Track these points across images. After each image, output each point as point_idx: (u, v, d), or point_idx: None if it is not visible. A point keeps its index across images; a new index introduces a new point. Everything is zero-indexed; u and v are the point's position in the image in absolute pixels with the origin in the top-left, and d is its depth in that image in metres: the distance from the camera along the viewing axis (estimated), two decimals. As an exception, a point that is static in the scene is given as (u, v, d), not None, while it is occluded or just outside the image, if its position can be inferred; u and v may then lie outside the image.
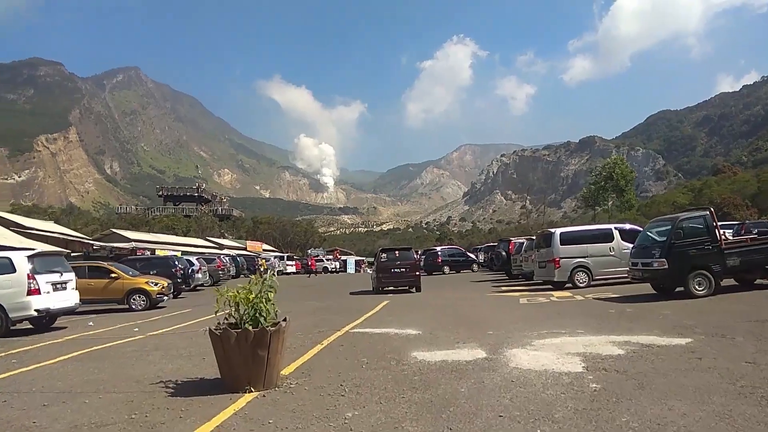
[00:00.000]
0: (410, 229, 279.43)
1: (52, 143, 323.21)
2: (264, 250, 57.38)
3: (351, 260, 62.06)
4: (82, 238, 32.39)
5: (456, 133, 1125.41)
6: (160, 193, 79.00)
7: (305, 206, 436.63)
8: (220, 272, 25.22)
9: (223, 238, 59.04)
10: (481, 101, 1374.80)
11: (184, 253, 38.12)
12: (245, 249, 52.48)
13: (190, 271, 18.74)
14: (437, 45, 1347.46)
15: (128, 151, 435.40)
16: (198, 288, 22.96)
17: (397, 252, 18.45)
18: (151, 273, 17.27)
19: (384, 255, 18.02)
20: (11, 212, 42.73)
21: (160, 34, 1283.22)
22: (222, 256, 30.67)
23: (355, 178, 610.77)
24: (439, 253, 29.69)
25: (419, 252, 38.77)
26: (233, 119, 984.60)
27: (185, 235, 52.37)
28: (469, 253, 32.45)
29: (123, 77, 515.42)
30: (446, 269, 28.90)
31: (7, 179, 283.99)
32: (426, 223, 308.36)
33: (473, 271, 30.43)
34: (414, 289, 17.25)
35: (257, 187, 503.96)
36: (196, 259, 22.80)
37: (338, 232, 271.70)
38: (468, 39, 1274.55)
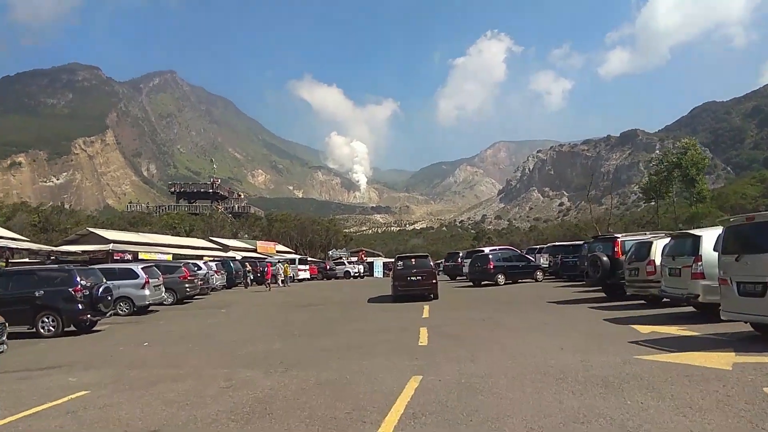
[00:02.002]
0: (444, 228, 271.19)
1: (89, 146, 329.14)
2: (278, 251, 50.84)
3: (378, 263, 54.97)
4: (20, 240, 26.09)
5: (490, 130, 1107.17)
6: (173, 189, 74.02)
7: (338, 206, 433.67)
8: (187, 286, 18.40)
9: (235, 237, 52.89)
10: (515, 97, 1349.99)
11: (176, 256, 31.57)
12: (255, 250, 46.01)
13: (99, 291, 11.70)
14: (470, 41, 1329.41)
15: (165, 153, 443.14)
16: (151, 310, 16.37)
17: (413, 260, 18.05)
18: (36, 294, 10.54)
19: (400, 263, 17.90)
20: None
21: (194, 38, 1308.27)
22: (203, 263, 23.97)
23: (387, 177, 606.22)
24: (491, 256, 22.41)
25: (461, 254, 31.23)
26: (266, 120, 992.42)
27: (188, 235, 46.30)
28: (528, 257, 24.58)
29: (159, 81, 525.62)
30: (500, 278, 21.43)
31: (46, 182, 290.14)
32: (460, 222, 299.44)
33: (536, 280, 23.13)
34: (432, 296, 16.91)
35: (290, 188, 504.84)
36: (144, 268, 15.85)
37: (370, 231, 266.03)
38: (502, 34, 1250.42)
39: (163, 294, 17.03)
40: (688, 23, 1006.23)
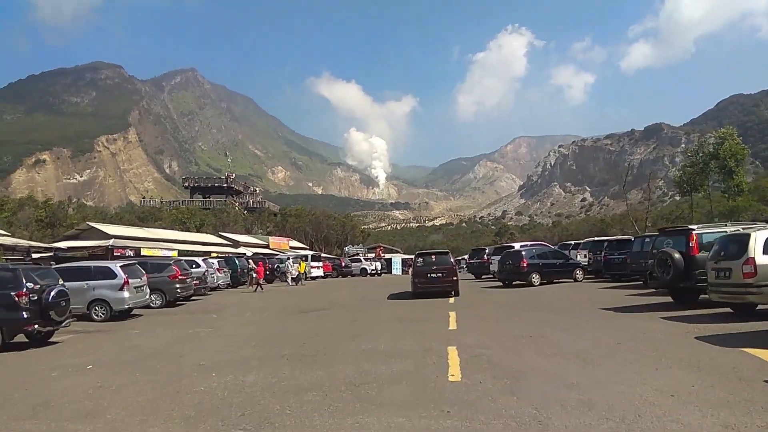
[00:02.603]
0: (463, 224, 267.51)
1: (112, 144, 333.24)
2: (291, 247, 48.66)
3: (397, 259, 52.47)
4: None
5: (510, 125, 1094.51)
6: (187, 184, 72.46)
7: (357, 202, 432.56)
8: (177, 286, 16.14)
9: (248, 233, 50.87)
10: (536, 92, 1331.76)
11: (182, 252, 29.67)
12: (267, 246, 43.87)
13: (50, 295, 9.50)
14: (491, 35, 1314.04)
15: (186, 150, 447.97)
16: (134, 314, 14.28)
17: (433, 256, 17.53)
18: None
19: (420, 259, 17.49)
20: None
21: (215, 36, 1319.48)
22: (201, 260, 21.67)
23: (406, 174, 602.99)
24: (524, 253, 19.58)
25: (487, 251, 28.57)
26: (286, 117, 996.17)
27: (198, 230, 44.36)
28: (565, 254, 21.64)
29: (181, 79, 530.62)
30: (534, 278, 18.85)
31: (70, 179, 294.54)
32: (480, 218, 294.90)
33: (576, 280, 20.33)
34: (452, 293, 16.56)
35: (310, 184, 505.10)
36: (124, 266, 13.66)
37: (389, 227, 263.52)
38: (523, 28, 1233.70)
39: (147, 296, 14.80)
40: (713, 14, 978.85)
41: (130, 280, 13.88)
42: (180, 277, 16.60)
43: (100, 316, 13.52)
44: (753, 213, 47.11)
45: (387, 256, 55.47)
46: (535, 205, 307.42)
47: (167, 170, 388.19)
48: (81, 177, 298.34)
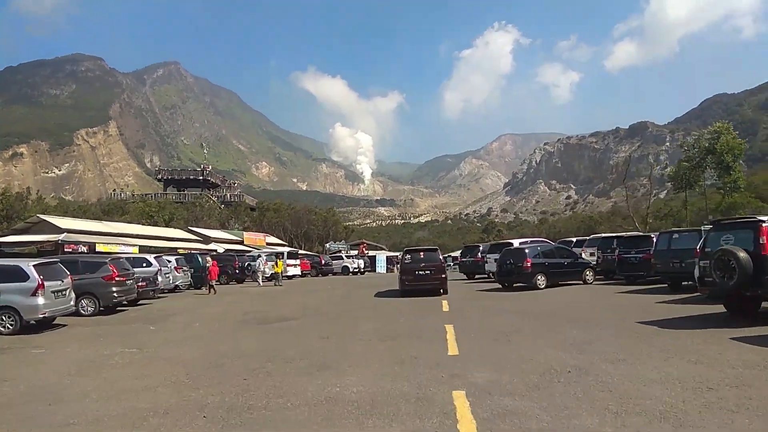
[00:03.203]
0: (449, 221, 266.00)
1: (92, 137, 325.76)
2: (268, 243, 45.76)
3: (381, 257, 49.97)
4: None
5: (496, 122, 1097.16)
6: (160, 176, 68.87)
7: (342, 198, 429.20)
8: (114, 289, 13.29)
9: (223, 228, 47.84)
10: (522, 89, 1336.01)
11: (143, 249, 26.72)
12: (242, 242, 40.92)
13: None
14: (477, 32, 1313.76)
15: (168, 144, 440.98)
16: (57, 323, 11.56)
17: (422, 253, 17.23)
18: None
19: (408, 256, 17.02)
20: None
21: (199, 29, 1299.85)
22: (153, 257, 18.75)
23: (392, 170, 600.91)
24: (527, 251, 16.97)
25: (481, 248, 26.03)
26: (271, 112, 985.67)
27: (167, 225, 41.25)
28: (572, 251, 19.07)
29: (163, 72, 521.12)
30: (540, 279, 16.42)
31: (48, 173, 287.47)
32: (465, 215, 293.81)
33: (586, 282, 17.81)
34: (442, 291, 16.20)
35: (294, 180, 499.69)
36: (39, 265, 10.89)
37: (374, 224, 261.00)
38: (510, 26, 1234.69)
39: (71, 302, 11.96)
40: (696, 14, 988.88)
41: (48, 283, 11.07)
42: (118, 279, 13.75)
43: (7, 328, 10.72)
44: (751, 209, 45.59)
45: (371, 253, 52.90)
46: (521, 202, 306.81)
47: (148, 164, 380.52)
48: (59, 171, 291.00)
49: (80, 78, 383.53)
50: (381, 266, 49.04)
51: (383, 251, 59.80)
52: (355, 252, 51.15)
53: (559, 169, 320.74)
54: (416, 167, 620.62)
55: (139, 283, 15.70)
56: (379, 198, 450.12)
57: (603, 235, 23.34)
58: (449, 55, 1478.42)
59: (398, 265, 54.22)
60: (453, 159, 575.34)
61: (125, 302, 15.11)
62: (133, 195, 63.46)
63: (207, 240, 36.38)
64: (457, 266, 46.95)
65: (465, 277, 26.29)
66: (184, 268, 21.21)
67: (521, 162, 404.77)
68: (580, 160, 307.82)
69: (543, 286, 16.43)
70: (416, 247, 21.68)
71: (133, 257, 18.42)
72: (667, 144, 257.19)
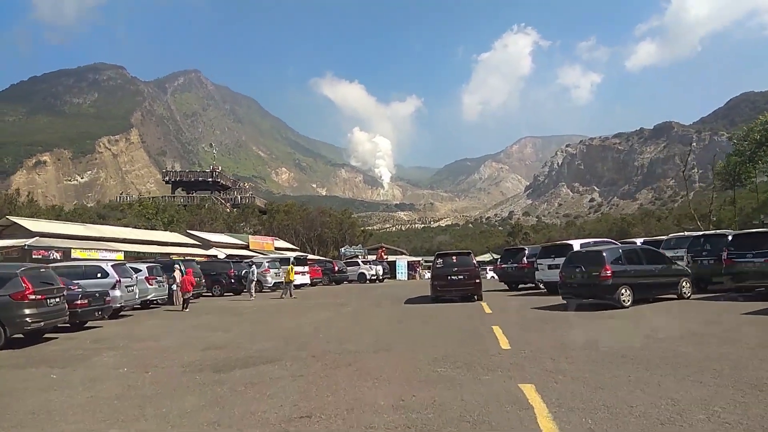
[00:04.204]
0: (470, 225, 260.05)
1: (113, 145, 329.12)
2: (277, 248, 41.71)
3: (402, 262, 45.72)
4: None
5: (515, 125, 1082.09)
6: (167, 178, 65.73)
7: (361, 203, 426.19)
8: (27, 312, 9.23)
9: (231, 232, 44.04)
10: (542, 92, 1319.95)
11: (129, 254, 22.83)
12: (247, 247, 37.04)
13: None
14: (496, 35, 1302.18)
15: (189, 152, 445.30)
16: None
17: (454, 257, 16.64)
18: None
19: (440, 261, 16.61)
20: None
21: (218, 37, 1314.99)
22: (109, 265, 14.63)
23: (411, 175, 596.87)
24: (606, 255, 12.31)
25: (527, 251, 21.39)
26: (290, 119, 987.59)
27: (166, 228, 37.56)
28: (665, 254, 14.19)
29: (184, 80, 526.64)
30: (624, 294, 11.83)
31: (70, 180, 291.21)
32: (486, 219, 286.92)
33: (682, 296, 13.24)
34: (475, 298, 15.76)
35: (314, 185, 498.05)
36: None
37: (394, 228, 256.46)
38: (529, 28, 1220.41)
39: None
40: (719, 12, 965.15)
41: None
42: (33, 297, 9.69)
43: None
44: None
45: (390, 258, 48.63)
46: (543, 205, 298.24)
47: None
48: (82, 178, 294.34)
49: (102, 87, 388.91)
50: (402, 272, 44.87)
51: (404, 256, 55.61)
52: (373, 257, 47.01)
53: (582, 171, 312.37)
54: (435, 171, 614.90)
55: (79, 301, 11.64)
56: (398, 202, 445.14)
57: (691, 233, 18.55)
58: (467, 58, 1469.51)
59: (418, 271, 50.09)
60: (472, 162, 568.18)
61: (55, 326, 11.01)
62: (139, 197, 60.27)
63: (207, 244, 32.56)
64: (488, 272, 42.39)
65: (506, 286, 21.68)
66: (159, 279, 17.11)
67: (542, 165, 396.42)
68: (603, 162, 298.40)
69: (628, 304, 11.85)
70: (448, 251, 20.64)
71: (85, 266, 14.44)
72: (694, 144, 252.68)
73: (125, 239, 27.25)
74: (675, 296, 13.08)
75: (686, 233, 19.22)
